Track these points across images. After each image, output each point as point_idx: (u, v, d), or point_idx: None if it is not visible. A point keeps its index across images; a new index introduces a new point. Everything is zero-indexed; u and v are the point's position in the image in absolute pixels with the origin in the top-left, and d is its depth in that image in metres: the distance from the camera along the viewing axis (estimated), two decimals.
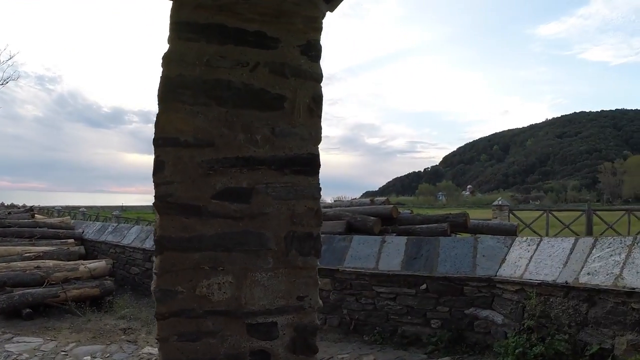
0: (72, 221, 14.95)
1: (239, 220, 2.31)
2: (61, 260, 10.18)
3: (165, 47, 2.27)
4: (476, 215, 21.04)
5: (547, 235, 16.03)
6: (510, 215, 17.81)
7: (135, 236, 11.04)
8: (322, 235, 7.10)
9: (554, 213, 17.76)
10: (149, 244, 10.03)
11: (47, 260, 9.79)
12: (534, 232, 15.69)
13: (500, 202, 18.51)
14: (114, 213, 31.45)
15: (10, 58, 36.62)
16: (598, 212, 17.85)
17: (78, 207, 41.46)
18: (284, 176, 2.38)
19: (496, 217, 17.49)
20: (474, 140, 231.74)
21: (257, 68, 2.35)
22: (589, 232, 16.06)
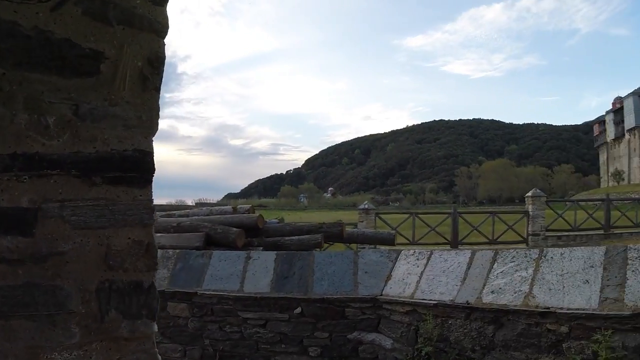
0: None
1: (17, 265, 1.36)
2: None
3: None
4: (340, 218, 20.79)
5: (413, 238, 16.15)
6: (377, 218, 17.86)
7: None
8: (177, 251, 5.74)
9: (420, 216, 17.86)
10: None
11: None
12: (403, 236, 15.62)
13: (366, 206, 18.37)
14: None
15: None
16: (463, 215, 18.41)
17: None
18: (93, 188, 1.47)
19: (362, 221, 17.59)
20: (336, 144, 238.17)
21: (63, 5, 1.40)
22: (455, 234, 16.33)
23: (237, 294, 5.70)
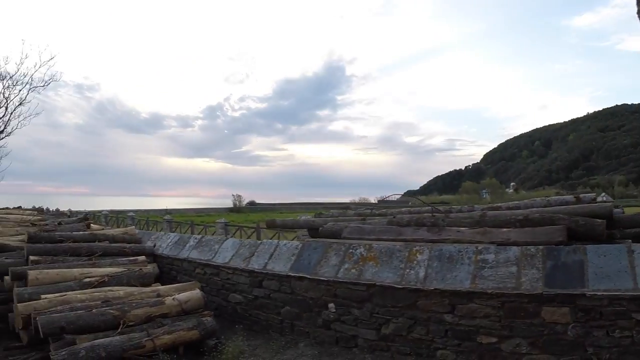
0: (137, 231, 11.94)
1: None
2: (133, 285, 7.90)
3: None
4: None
5: None
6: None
7: (232, 252, 8.42)
8: (540, 248, 5.17)
9: None
10: (257, 263, 7.73)
11: (115, 288, 7.57)
12: None
13: (604, 198, 16.29)
14: (165, 217, 29.69)
15: (52, 58, 35.88)
16: None
17: (125, 212, 39.93)
18: None
19: None
20: (514, 137, 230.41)
21: None
22: None
23: (633, 293, 4.96)
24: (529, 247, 5.68)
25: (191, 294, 7.28)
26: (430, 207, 8.72)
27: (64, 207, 40.74)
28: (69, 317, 6.07)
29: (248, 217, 53.05)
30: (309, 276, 6.81)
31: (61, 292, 7.16)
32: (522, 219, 6.70)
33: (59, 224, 11.97)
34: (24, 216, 13.35)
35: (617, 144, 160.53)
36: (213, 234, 23.91)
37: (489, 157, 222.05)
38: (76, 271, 8.02)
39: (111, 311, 6.36)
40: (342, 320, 6.44)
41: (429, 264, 6.03)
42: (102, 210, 38.13)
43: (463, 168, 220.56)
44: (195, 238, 9.72)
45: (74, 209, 40.42)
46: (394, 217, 8.02)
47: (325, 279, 6.60)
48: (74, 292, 7.21)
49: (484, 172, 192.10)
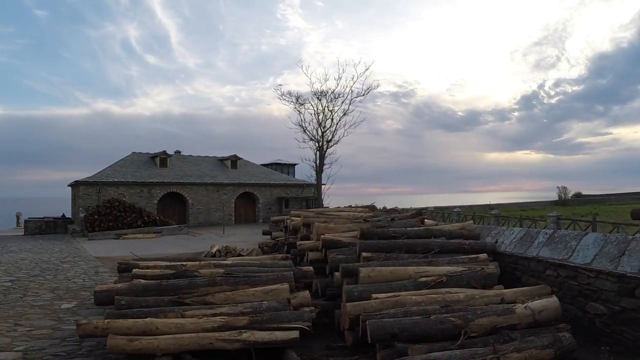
0: (475, 226, 10.70)
1: None
2: (474, 287, 6.87)
3: None
4: None
5: None
6: None
7: (595, 251, 6.69)
8: None
9: None
10: (630, 265, 5.98)
11: (454, 290, 6.65)
12: None
13: None
14: (493, 212, 29.21)
15: (367, 69, 39.42)
16: None
17: (450, 208, 40.34)
18: None
19: None
20: None
21: None
22: None
23: None
24: None
25: (546, 302, 5.81)
26: None
27: (390, 205, 42.84)
28: (403, 322, 5.37)
29: (575, 210, 48.38)
30: None
31: (394, 291, 6.61)
32: None
33: (392, 219, 11.41)
34: (356, 213, 13.49)
35: None
36: (544, 228, 21.93)
37: None
38: (411, 269, 7.32)
39: (452, 319, 5.42)
40: None
41: None
42: (427, 207, 38.90)
43: None
44: (546, 233, 8.12)
45: (399, 206, 42.08)
46: None
47: None
48: (407, 292, 6.55)
49: None
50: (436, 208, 39.32)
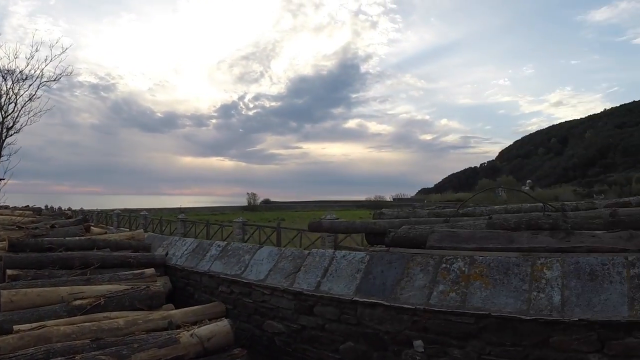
0: (146, 235, 9.62)
1: None
2: (138, 309, 5.82)
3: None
4: None
5: None
6: None
7: (270, 266, 6.23)
8: None
9: None
10: (306, 282, 5.62)
11: (113, 314, 5.54)
12: None
13: None
14: (180, 217, 27.78)
15: (64, 51, 33.92)
16: None
17: (139, 210, 37.23)
18: None
19: None
20: (530, 134, 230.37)
21: None
22: None
23: None
24: None
25: (216, 326, 5.20)
26: (541, 204, 6.49)
27: (77, 206, 39.06)
28: None
29: (263, 216, 51.65)
30: (385, 302, 4.76)
31: (42, 319, 5.11)
32: None
33: (52, 226, 9.82)
34: (14, 217, 11.23)
35: (634, 140, 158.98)
36: (230, 235, 22.32)
37: (505, 154, 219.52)
38: (64, 290, 5.94)
39: (103, 358, 4.38)
40: None
41: (565, 284, 4.08)
42: (115, 209, 36.37)
43: (478, 166, 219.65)
44: (219, 245, 7.43)
45: (86, 207, 38.75)
46: (490, 217, 5.98)
47: (411, 307, 4.58)
48: (57, 321, 5.14)
49: (499, 169, 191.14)
50: (124, 210, 37.06)
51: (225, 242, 7.47)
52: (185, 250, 7.89)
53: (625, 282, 3.93)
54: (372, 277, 5.08)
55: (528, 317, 3.98)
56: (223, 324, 5.19)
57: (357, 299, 4.96)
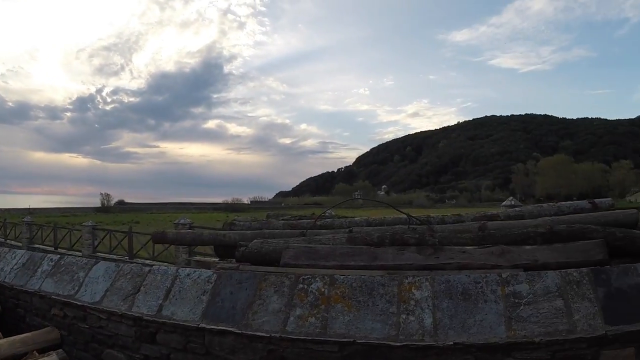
0: None
1: None
2: None
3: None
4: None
5: None
6: None
7: (107, 285, 5.34)
8: (584, 270, 3.81)
9: None
10: (146, 305, 4.86)
11: None
12: None
13: (512, 202, 15.14)
14: (25, 219, 24.83)
15: None
16: None
17: None
18: None
19: None
20: (387, 142, 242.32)
21: None
22: None
23: None
24: (567, 270, 3.88)
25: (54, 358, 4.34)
26: (405, 216, 5.97)
27: None
28: None
29: (117, 218, 49.38)
30: (235, 329, 4.21)
31: None
32: (546, 232, 4.73)
33: None
34: None
35: (484, 151, 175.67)
36: (78, 240, 20.54)
37: (362, 160, 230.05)
38: None
39: None
40: None
41: (436, 304, 3.87)
42: None
43: (336, 170, 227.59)
44: (52, 260, 6.30)
45: None
46: (351, 230, 5.51)
47: (266, 335, 4.06)
48: None
49: (356, 174, 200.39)
50: None
51: (59, 256, 6.37)
52: (15, 264, 6.65)
53: (501, 301, 3.74)
54: (221, 300, 4.55)
55: (398, 344, 3.70)
56: (61, 356, 4.34)
57: (204, 325, 4.38)
